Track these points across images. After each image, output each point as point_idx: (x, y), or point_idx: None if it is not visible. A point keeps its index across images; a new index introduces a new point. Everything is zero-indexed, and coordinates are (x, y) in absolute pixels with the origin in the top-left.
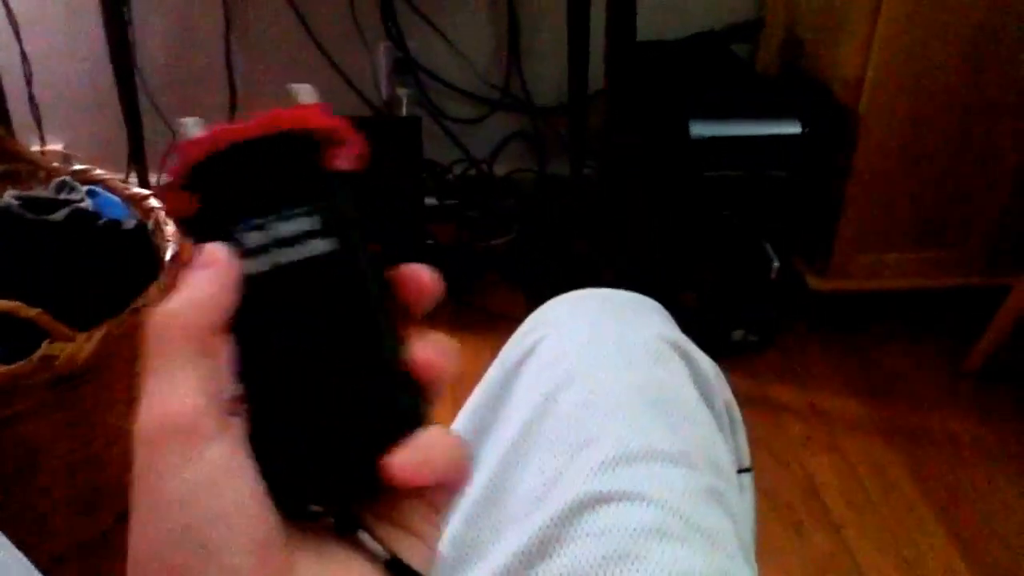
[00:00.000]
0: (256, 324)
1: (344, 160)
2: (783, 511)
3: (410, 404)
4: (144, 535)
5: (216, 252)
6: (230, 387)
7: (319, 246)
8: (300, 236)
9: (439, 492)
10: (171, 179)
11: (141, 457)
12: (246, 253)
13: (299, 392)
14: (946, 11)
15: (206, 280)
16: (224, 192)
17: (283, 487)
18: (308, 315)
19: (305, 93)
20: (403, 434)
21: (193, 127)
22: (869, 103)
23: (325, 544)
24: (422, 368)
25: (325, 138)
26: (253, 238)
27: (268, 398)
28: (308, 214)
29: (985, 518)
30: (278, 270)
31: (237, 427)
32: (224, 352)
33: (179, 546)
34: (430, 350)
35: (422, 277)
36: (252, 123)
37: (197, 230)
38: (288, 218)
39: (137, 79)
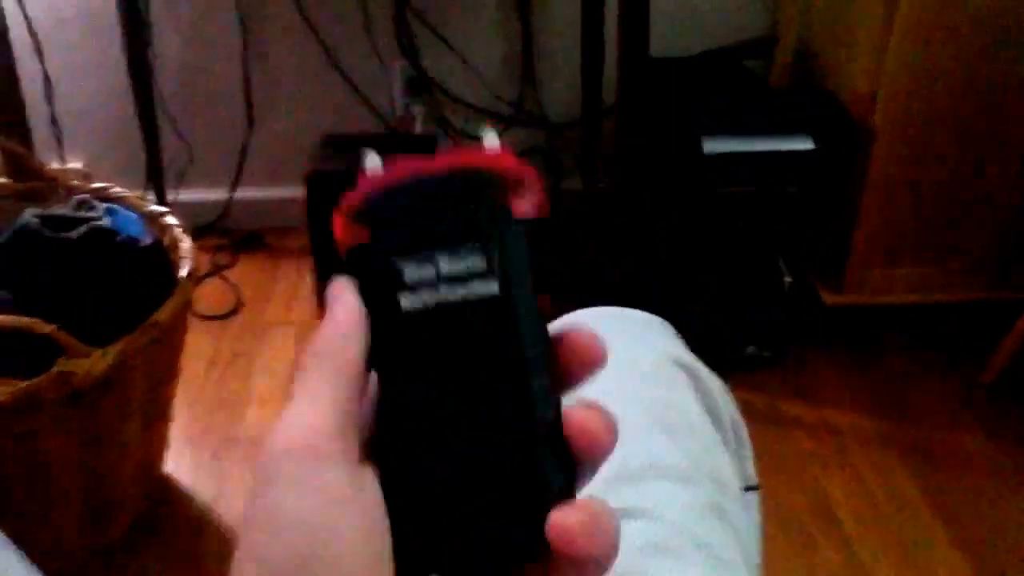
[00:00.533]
0: (405, 363)
1: (523, 206)
2: (794, 527)
3: (560, 477)
4: (254, 547)
5: (344, 283)
6: (366, 422)
7: (482, 288)
8: (464, 276)
9: (589, 568)
10: (345, 208)
11: (263, 470)
12: (406, 287)
13: (440, 445)
14: (957, 26)
15: (352, 306)
16: (394, 224)
17: (410, 546)
18: (461, 360)
19: (490, 137)
20: (548, 508)
21: (373, 158)
22: (882, 118)
23: None
24: (578, 436)
25: (507, 181)
26: (415, 272)
27: (406, 446)
28: (475, 253)
29: (997, 534)
30: (436, 308)
31: (365, 458)
32: (365, 384)
33: (290, 564)
34: (591, 419)
35: (589, 342)
36: (436, 160)
37: (362, 260)
38: (454, 255)
39: (156, 98)
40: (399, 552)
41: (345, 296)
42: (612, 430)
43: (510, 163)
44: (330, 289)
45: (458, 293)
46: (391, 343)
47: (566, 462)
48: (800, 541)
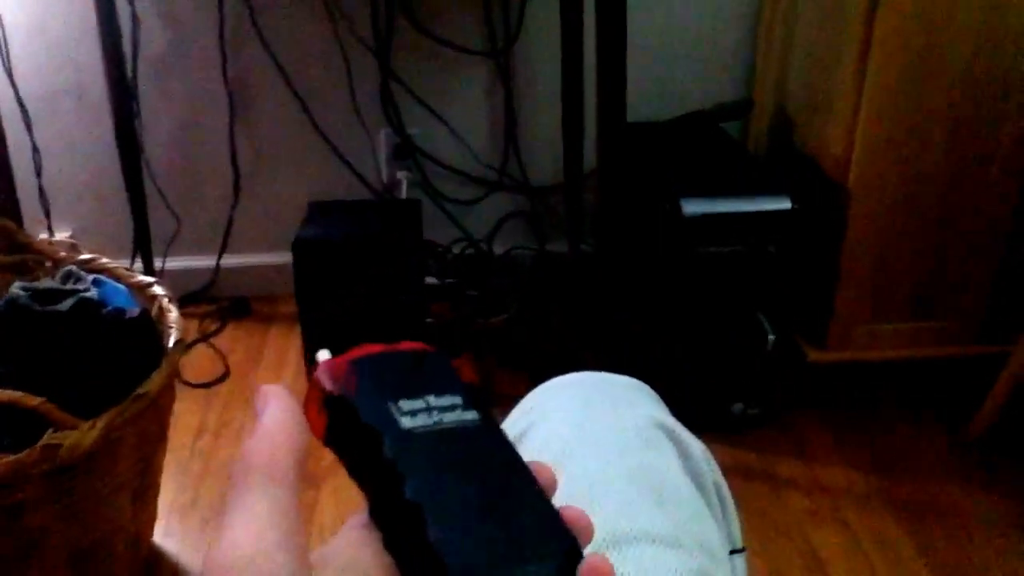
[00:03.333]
0: (420, 471)
1: (464, 373)
2: None
3: (573, 545)
4: None
5: (270, 390)
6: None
7: (467, 416)
8: (450, 408)
9: None
10: (316, 384)
11: None
12: (406, 412)
13: (472, 528)
14: (927, 87)
15: (281, 413)
16: (379, 379)
17: None
18: (470, 463)
19: (323, 354)
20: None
21: (325, 353)
22: (857, 178)
23: None
24: (569, 522)
25: (451, 358)
26: (410, 404)
27: (446, 534)
28: (453, 394)
29: None
30: (434, 428)
31: (312, 570)
32: (299, 488)
33: None
34: (571, 510)
35: (543, 471)
36: (401, 344)
37: (356, 400)
38: (439, 395)
39: (143, 168)
40: None
41: (273, 401)
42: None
43: (442, 351)
44: (256, 398)
45: (450, 419)
46: (393, 455)
47: (571, 535)
48: None
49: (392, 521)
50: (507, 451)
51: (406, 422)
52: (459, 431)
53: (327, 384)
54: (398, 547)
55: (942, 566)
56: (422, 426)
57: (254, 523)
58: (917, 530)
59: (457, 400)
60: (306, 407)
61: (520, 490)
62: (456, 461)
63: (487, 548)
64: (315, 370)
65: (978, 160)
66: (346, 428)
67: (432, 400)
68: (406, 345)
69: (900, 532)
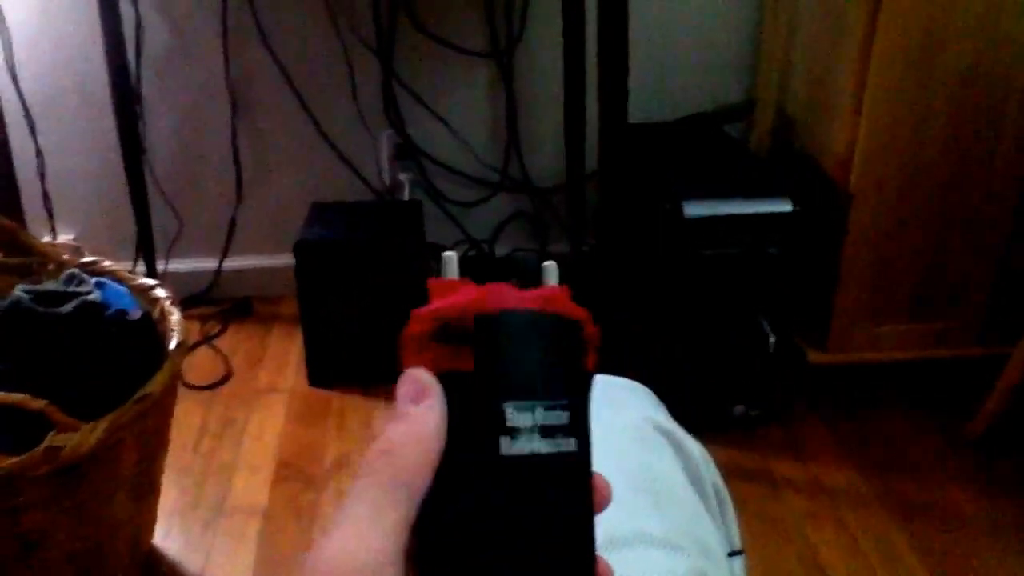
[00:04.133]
0: (487, 503)
1: (592, 356)
2: None
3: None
4: None
5: (430, 383)
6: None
7: (565, 444)
8: (554, 430)
9: None
10: (426, 321)
11: None
12: (509, 432)
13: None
14: (928, 88)
15: (429, 415)
16: (500, 361)
17: None
18: (539, 507)
19: (553, 272)
20: None
21: (453, 265)
22: (859, 180)
23: None
24: None
25: (588, 339)
26: (517, 419)
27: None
28: (564, 408)
29: None
30: (532, 456)
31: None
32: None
33: None
34: (603, 564)
35: (604, 488)
36: (530, 294)
37: (461, 389)
38: (550, 409)
39: (146, 170)
40: None
41: (431, 401)
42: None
43: (588, 320)
44: (408, 384)
45: (548, 446)
46: (480, 481)
47: None
48: None
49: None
50: (586, 495)
51: (506, 445)
52: (552, 463)
53: (420, 339)
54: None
55: (941, 567)
56: (522, 452)
57: (374, 532)
58: (916, 531)
59: (563, 419)
60: (404, 341)
61: (569, 554)
62: (527, 510)
63: None
64: (432, 293)
65: (978, 161)
66: (451, 409)
67: (539, 414)
68: (544, 292)
69: (899, 533)
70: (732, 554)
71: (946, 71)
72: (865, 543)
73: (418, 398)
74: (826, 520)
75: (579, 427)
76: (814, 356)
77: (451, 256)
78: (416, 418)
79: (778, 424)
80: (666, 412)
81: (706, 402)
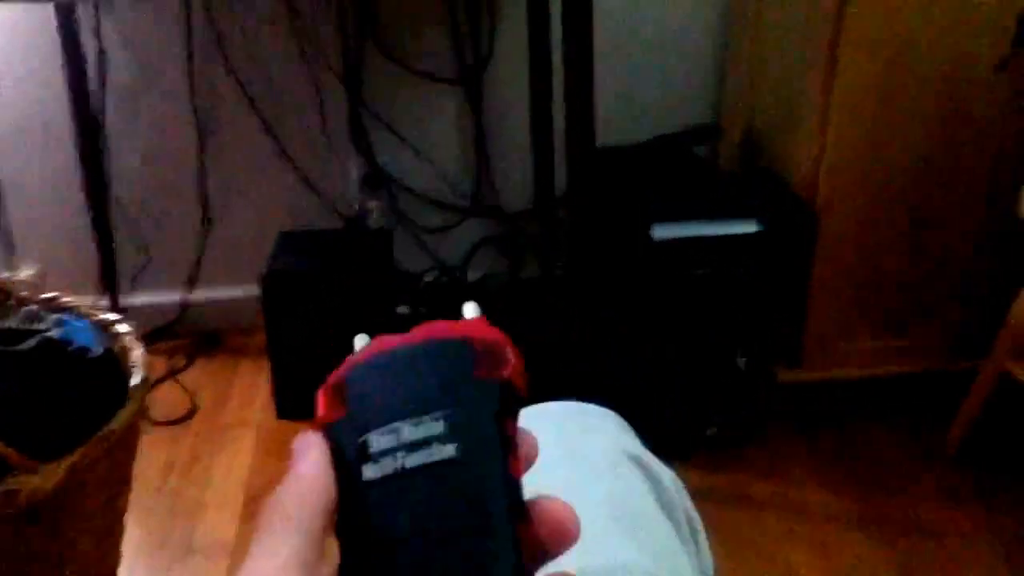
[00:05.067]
0: (367, 530)
1: (492, 371)
2: None
3: None
4: None
5: (309, 440)
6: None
7: (440, 452)
8: (424, 442)
9: None
10: (326, 387)
11: None
12: (369, 458)
13: None
14: (895, 105)
15: (317, 465)
16: (367, 398)
17: None
18: (422, 522)
19: (470, 309)
20: None
21: (362, 340)
22: (825, 196)
23: None
24: (548, 525)
25: (476, 347)
26: (378, 443)
27: None
28: (436, 419)
29: None
30: (395, 475)
31: None
32: (324, 545)
33: None
34: (559, 510)
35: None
36: (414, 333)
37: (335, 436)
38: (417, 423)
39: (111, 202)
40: None
41: (312, 452)
42: (576, 522)
43: (481, 330)
44: (297, 443)
45: (417, 459)
46: (354, 512)
47: None
48: None
49: None
50: (476, 499)
51: (368, 471)
52: (425, 475)
53: (319, 408)
54: None
55: None
56: (383, 474)
57: (277, 563)
58: (893, 545)
59: (437, 429)
60: (316, 401)
61: (476, 565)
62: (404, 528)
63: None
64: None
65: (944, 177)
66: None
67: (407, 433)
68: (449, 328)
69: (875, 548)
70: None
71: (910, 87)
72: (844, 561)
73: (300, 455)
74: (804, 540)
75: (465, 433)
76: (787, 374)
77: (363, 338)
78: (297, 472)
79: (753, 444)
80: (636, 438)
81: (680, 424)
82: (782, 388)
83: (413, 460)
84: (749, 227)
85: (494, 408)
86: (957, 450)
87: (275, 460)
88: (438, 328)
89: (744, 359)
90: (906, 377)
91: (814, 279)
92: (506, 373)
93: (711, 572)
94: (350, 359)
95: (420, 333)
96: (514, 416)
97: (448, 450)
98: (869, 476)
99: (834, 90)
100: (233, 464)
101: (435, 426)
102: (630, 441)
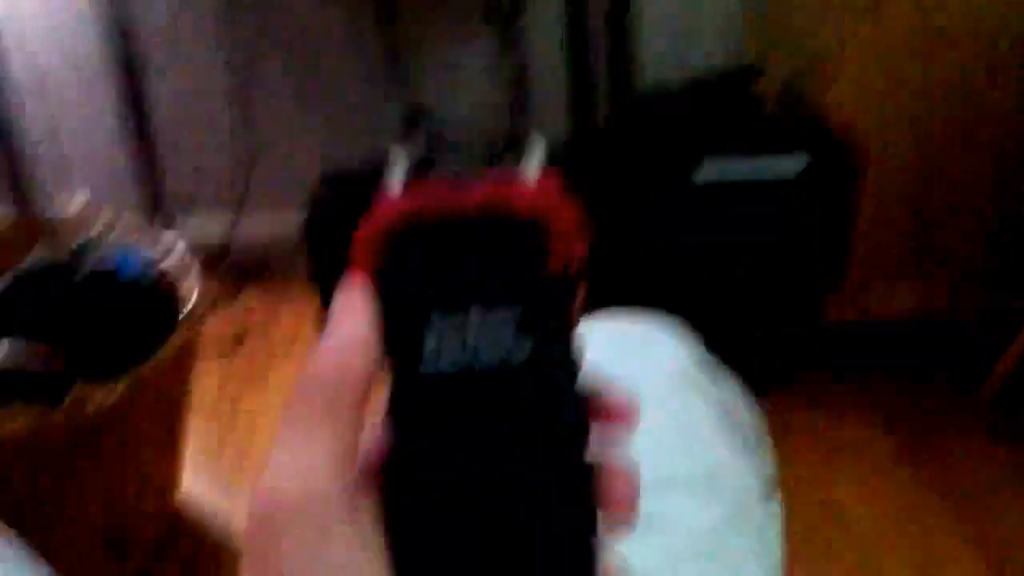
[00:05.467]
0: (424, 425)
1: (564, 261)
2: (810, 536)
3: (591, 551)
4: None
5: (355, 297)
6: (366, 460)
7: (512, 353)
8: (494, 340)
9: None
10: (369, 237)
11: (261, 527)
12: (433, 342)
13: (459, 517)
14: (942, 43)
15: (359, 328)
16: (425, 268)
17: None
18: (487, 427)
19: (538, 152)
20: None
21: (402, 165)
22: (871, 135)
23: None
24: (608, 505)
25: (548, 228)
26: (445, 326)
27: (420, 519)
28: (509, 315)
29: (1012, 538)
30: (461, 373)
31: (369, 517)
32: (366, 413)
33: None
34: (618, 488)
35: (622, 407)
36: (474, 191)
37: (386, 297)
38: (488, 315)
39: (156, 134)
40: None
41: (358, 311)
42: (635, 498)
43: (552, 204)
44: (338, 299)
45: (483, 358)
46: (409, 402)
47: (594, 532)
48: (817, 553)
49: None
50: (546, 408)
51: (429, 362)
52: (493, 377)
53: (358, 259)
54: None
55: (961, 516)
56: (447, 367)
57: (309, 457)
58: (936, 483)
59: (509, 325)
60: (353, 246)
61: (540, 478)
62: (467, 431)
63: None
64: (380, 191)
65: (990, 114)
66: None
67: (475, 318)
68: (497, 197)
69: (920, 485)
70: (767, 492)
71: (956, 24)
72: (886, 495)
73: (343, 314)
74: (847, 475)
75: (537, 332)
76: (829, 315)
77: (401, 154)
78: (337, 336)
79: (796, 382)
80: (701, 347)
81: (724, 361)
82: (825, 328)
83: (481, 356)
84: (793, 168)
85: (567, 311)
86: (998, 390)
87: None
88: (505, 192)
89: (789, 299)
90: (950, 318)
91: (857, 219)
92: (576, 265)
93: (774, 483)
94: (393, 202)
95: (484, 194)
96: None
97: (520, 353)
98: (910, 415)
99: (879, 31)
100: (283, 386)
101: (507, 323)
102: (694, 350)
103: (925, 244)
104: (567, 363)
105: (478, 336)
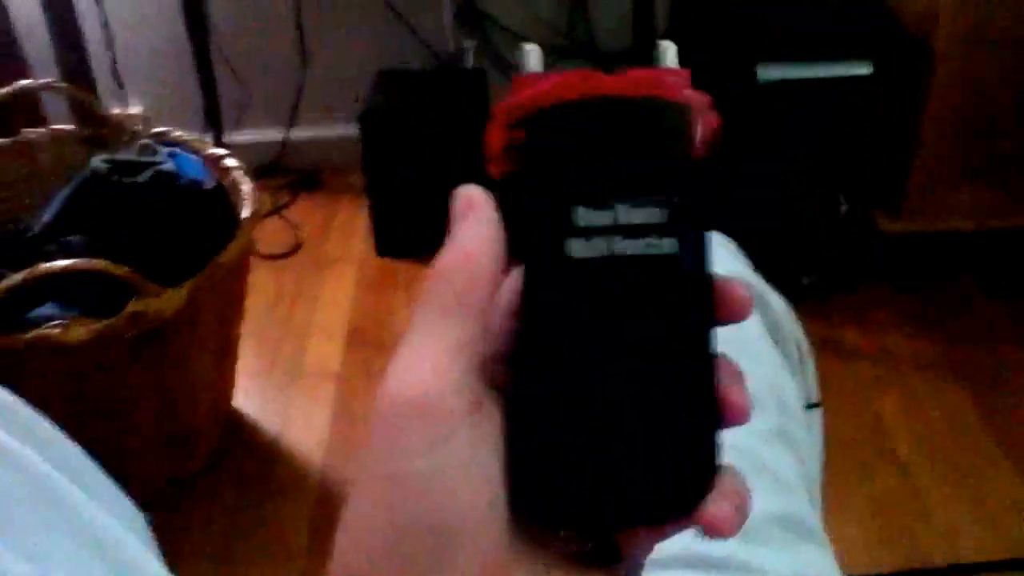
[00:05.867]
0: (564, 313)
1: (703, 147)
2: (850, 450)
3: (716, 445)
4: (371, 516)
5: (476, 194)
6: (493, 364)
7: (660, 245)
8: (643, 229)
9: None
10: (508, 121)
11: (381, 428)
12: (578, 232)
13: (593, 402)
14: None
15: (485, 229)
16: (568, 155)
17: (543, 505)
18: (629, 319)
19: (670, 55)
20: (705, 477)
21: (535, 57)
22: (941, 36)
23: (557, 567)
24: (728, 408)
25: (691, 118)
26: (589, 217)
27: (551, 399)
28: (656, 204)
29: None
30: (609, 260)
31: (491, 412)
32: (492, 315)
33: (414, 535)
34: (736, 390)
35: (742, 296)
36: (617, 78)
37: (526, 189)
38: (635, 205)
39: (211, 42)
40: (517, 502)
41: (479, 213)
42: (749, 400)
43: (693, 95)
44: (459, 201)
45: (635, 247)
46: (547, 290)
47: (718, 428)
48: (857, 465)
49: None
50: (691, 304)
51: (576, 246)
52: (640, 267)
53: (494, 147)
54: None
55: (1004, 432)
56: (595, 254)
57: (436, 358)
58: (980, 397)
59: (657, 216)
60: (487, 137)
61: (675, 370)
62: (608, 321)
63: (584, 467)
64: (513, 85)
65: None
66: (510, 210)
67: (624, 213)
68: (650, 83)
69: (963, 398)
70: (810, 407)
71: None
72: (929, 408)
73: (465, 213)
74: (891, 385)
75: (684, 226)
76: (887, 225)
77: (532, 48)
78: (462, 235)
79: (847, 293)
80: (750, 265)
81: (776, 271)
82: (881, 237)
83: (630, 247)
84: (861, 68)
85: (711, 199)
86: None
87: (375, 296)
88: (647, 80)
89: (846, 206)
90: (1007, 232)
91: (923, 124)
92: (712, 149)
93: (816, 398)
94: (532, 86)
95: (626, 82)
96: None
97: (670, 244)
98: (961, 328)
99: None
100: (337, 296)
101: (655, 212)
102: (741, 266)
103: (990, 154)
104: (705, 257)
105: (626, 226)
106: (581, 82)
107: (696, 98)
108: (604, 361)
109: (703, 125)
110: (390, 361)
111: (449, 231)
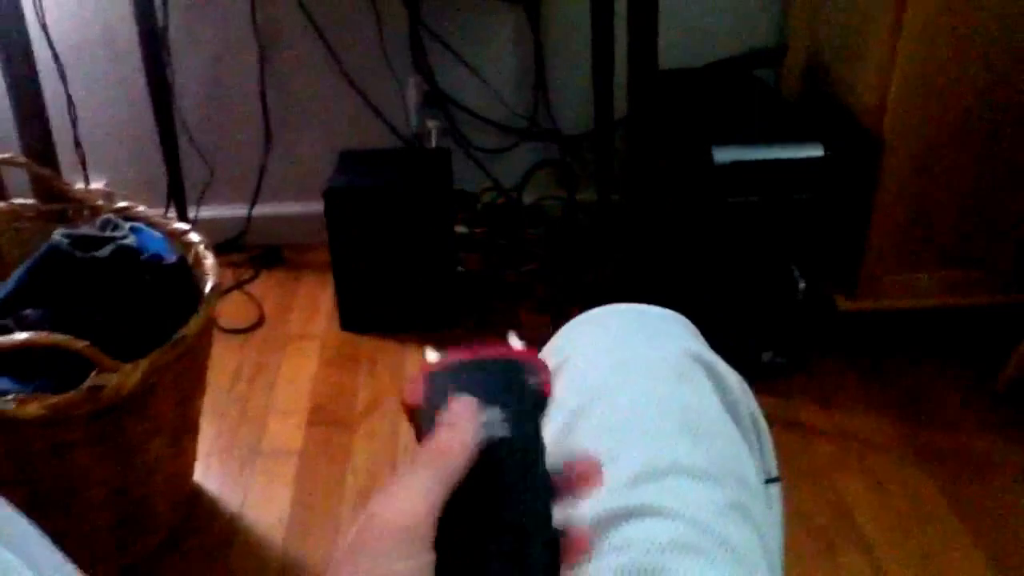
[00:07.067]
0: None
1: (536, 384)
2: (814, 532)
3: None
4: None
5: (473, 408)
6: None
7: (500, 431)
8: (489, 422)
9: None
10: (411, 384)
11: (364, 541)
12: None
13: (477, 540)
14: (965, 32)
15: (470, 428)
16: (439, 392)
17: None
18: (486, 477)
19: (514, 340)
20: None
21: (432, 353)
22: (892, 126)
23: None
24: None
25: (525, 366)
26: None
27: (452, 547)
28: (498, 409)
29: (1018, 537)
30: (487, 443)
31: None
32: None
33: None
34: (575, 531)
35: (589, 471)
36: (484, 350)
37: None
38: (491, 406)
39: (176, 118)
40: None
41: (472, 423)
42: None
43: (525, 355)
44: (458, 405)
45: (493, 431)
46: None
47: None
48: (821, 546)
49: None
50: (522, 466)
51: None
52: (497, 444)
53: (407, 396)
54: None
55: (968, 513)
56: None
57: (423, 498)
58: (944, 478)
59: (496, 415)
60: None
61: (526, 517)
62: (482, 485)
63: None
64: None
65: (1016, 108)
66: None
67: (490, 413)
68: (501, 351)
69: (926, 480)
70: (769, 481)
71: (982, 14)
72: (892, 489)
73: (463, 416)
74: (854, 468)
75: (522, 420)
76: (843, 303)
77: (432, 352)
78: (462, 429)
79: (806, 372)
80: (703, 341)
81: (735, 349)
82: (840, 315)
83: (497, 432)
84: (813, 151)
85: (537, 407)
86: (1007, 387)
87: (337, 371)
88: (497, 350)
89: (803, 286)
90: (964, 310)
91: (875, 208)
92: (544, 387)
93: (775, 473)
94: (427, 367)
95: (485, 351)
96: (544, 412)
97: (504, 430)
98: (921, 407)
99: (904, 19)
100: (299, 373)
101: (496, 413)
102: (696, 343)
103: (944, 234)
104: (534, 440)
105: (484, 421)
106: (456, 355)
107: (530, 359)
108: (481, 512)
109: (535, 373)
110: (380, 488)
111: (447, 420)
